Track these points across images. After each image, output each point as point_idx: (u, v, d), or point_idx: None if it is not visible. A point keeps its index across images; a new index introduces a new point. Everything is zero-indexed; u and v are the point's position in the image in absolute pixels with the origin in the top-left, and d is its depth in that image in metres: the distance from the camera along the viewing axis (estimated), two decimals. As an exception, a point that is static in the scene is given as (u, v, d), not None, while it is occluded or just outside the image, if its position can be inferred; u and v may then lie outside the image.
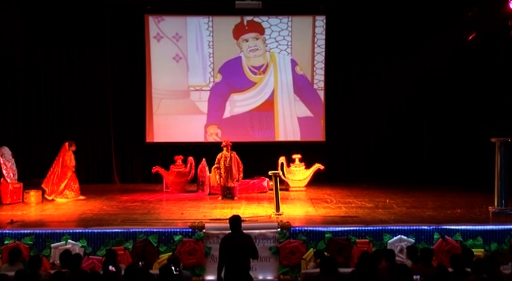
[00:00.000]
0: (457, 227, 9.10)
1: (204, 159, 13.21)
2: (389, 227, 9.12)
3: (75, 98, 14.72)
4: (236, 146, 12.49)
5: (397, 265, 6.43)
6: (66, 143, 12.41)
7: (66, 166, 12.23)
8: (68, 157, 12.27)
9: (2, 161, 11.92)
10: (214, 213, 10.51)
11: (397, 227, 9.10)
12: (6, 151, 12.15)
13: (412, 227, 9.09)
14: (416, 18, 14.38)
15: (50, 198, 12.05)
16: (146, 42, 14.89)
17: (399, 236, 8.92)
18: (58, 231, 8.91)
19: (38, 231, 8.90)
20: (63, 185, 12.17)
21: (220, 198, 12.22)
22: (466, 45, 13.38)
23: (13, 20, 13.40)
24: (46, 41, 14.36)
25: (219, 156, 12.27)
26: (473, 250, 7.80)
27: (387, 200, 11.77)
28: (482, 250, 8.80)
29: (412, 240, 8.88)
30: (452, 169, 14.18)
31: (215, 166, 12.28)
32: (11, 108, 14.32)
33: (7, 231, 8.95)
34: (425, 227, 9.09)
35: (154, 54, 14.95)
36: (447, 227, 9.11)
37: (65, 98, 14.68)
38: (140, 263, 7.41)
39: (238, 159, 12.31)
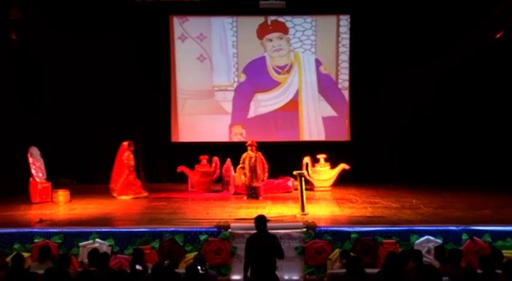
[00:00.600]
0: (486, 228, 8.97)
1: (228, 159, 13.22)
2: (416, 228, 9.04)
3: (101, 98, 14.82)
4: (260, 146, 12.50)
5: (425, 266, 6.36)
6: (125, 143, 12.53)
7: (124, 165, 12.36)
8: (125, 156, 12.37)
9: (31, 161, 12.10)
10: (240, 213, 10.52)
11: (424, 228, 9.02)
12: (35, 150, 12.33)
13: (439, 228, 9.00)
14: (443, 16, 14.18)
15: (114, 195, 12.35)
16: (171, 43, 14.97)
17: (426, 236, 8.83)
18: (86, 230, 9.01)
19: (66, 230, 9.02)
20: (119, 183, 12.32)
21: (245, 198, 12.23)
22: (493, 44, 13.18)
23: (41, 20, 13.55)
24: (73, 41, 14.47)
25: (244, 156, 12.29)
26: (502, 251, 7.68)
27: (414, 201, 11.66)
28: (512, 251, 8.65)
29: (439, 241, 8.77)
30: (480, 169, 13.99)
31: (240, 165, 12.31)
32: (40, 108, 14.49)
33: (37, 230, 9.09)
34: (453, 228, 8.99)
35: (179, 54, 15.02)
36: (476, 228, 8.98)
37: (91, 98, 14.79)
38: (166, 263, 7.45)
39: (264, 159, 12.32)
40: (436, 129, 14.75)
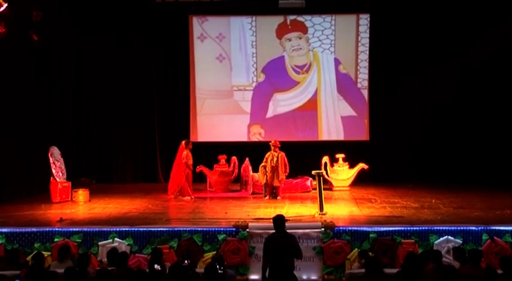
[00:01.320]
0: (506, 228, 8.87)
1: (247, 158, 13.22)
2: (435, 228, 8.97)
3: (121, 98, 14.94)
4: (281, 146, 12.47)
5: (444, 267, 6.30)
6: (183, 142, 12.56)
7: (182, 164, 12.35)
8: (184, 155, 12.35)
9: (51, 161, 12.22)
10: (258, 212, 10.52)
11: (444, 228, 8.94)
12: (56, 150, 12.45)
13: (459, 228, 8.91)
14: (464, 15, 14.05)
15: (173, 196, 12.37)
16: (190, 43, 15.02)
17: (446, 236, 8.76)
18: (105, 229, 9.06)
19: (86, 229, 9.08)
20: (181, 184, 12.32)
21: (266, 197, 12.25)
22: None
23: (62, 21, 13.69)
24: (93, 41, 14.61)
25: (266, 155, 12.34)
26: (523, 252, 7.60)
27: (433, 200, 11.56)
28: (533, 252, 8.54)
29: (459, 241, 8.70)
30: (501, 169, 13.81)
31: (263, 164, 12.33)
32: (60, 108, 14.64)
33: (57, 229, 9.16)
34: (473, 228, 8.90)
35: (198, 54, 15.07)
36: (496, 228, 8.89)
37: (111, 98, 14.92)
38: (186, 262, 7.47)
39: (286, 160, 12.33)
40: (456, 129, 14.60)
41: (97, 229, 9.09)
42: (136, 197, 12.47)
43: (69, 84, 14.78)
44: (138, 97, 14.99)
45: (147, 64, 14.80)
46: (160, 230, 9.02)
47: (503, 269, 6.26)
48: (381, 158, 14.70)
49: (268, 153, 12.31)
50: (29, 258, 7.84)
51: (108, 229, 9.05)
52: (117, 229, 9.05)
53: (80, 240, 8.92)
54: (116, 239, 8.89)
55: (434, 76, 14.48)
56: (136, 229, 9.06)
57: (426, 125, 14.73)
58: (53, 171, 12.17)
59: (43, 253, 8.09)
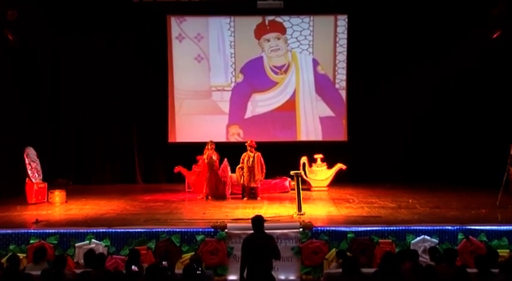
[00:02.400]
0: (481, 228, 8.97)
1: (226, 159, 13.13)
2: (412, 227, 9.02)
3: (98, 98, 14.85)
4: (258, 146, 12.48)
5: (422, 267, 6.36)
6: (208, 142, 12.53)
7: (205, 164, 12.33)
8: (207, 156, 12.33)
9: (27, 162, 12.08)
10: (236, 213, 10.53)
11: (421, 228, 9.01)
12: (31, 151, 12.31)
13: (435, 228, 8.98)
14: (441, 16, 14.21)
15: (198, 197, 12.35)
16: (168, 43, 14.98)
17: (423, 236, 8.83)
18: (82, 231, 8.98)
19: (62, 230, 8.98)
20: (210, 186, 12.30)
21: (245, 198, 12.26)
22: (492, 44, 13.20)
23: (38, 21, 13.54)
24: (70, 41, 14.50)
25: (243, 156, 12.32)
26: (498, 250, 7.70)
27: (410, 200, 11.66)
28: (508, 250, 8.64)
29: (435, 240, 8.78)
30: (477, 169, 14.01)
31: (239, 165, 12.32)
32: (36, 108, 14.49)
33: (32, 230, 9.05)
34: (449, 228, 8.97)
35: (177, 54, 15.03)
36: (472, 227, 8.98)
37: (88, 98, 14.82)
38: (164, 263, 7.44)
39: (262, 160, 12.33)
40: (433, 129, 14.78)
41: (74, 231, 9.00)
42: (113, 198, 12.40)
43: (46, 84, 14.64)
44: (116, 97, 14.88)
45: (125, 64, 14.70)
46: (138, 231, 8.97)
47: (478, 268, 6.34)
48: (359, 159, 14.80)
49: (244, 154, 12.31)
50: (4, 260, 7.73)
51: (85, 230, 8.98)
52: (94, 230, 8.98)
53: (56, 242, 8.83)
54: (93, 240, 8.82)
55: (412, 77, 14.58)
56: (113, 230, 8.99)
57: (403, 125, 14.84)
58: (29, 172, 12.03)
59: (18, 254, 7.97)
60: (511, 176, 11.13)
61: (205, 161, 12.32)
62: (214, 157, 12.34)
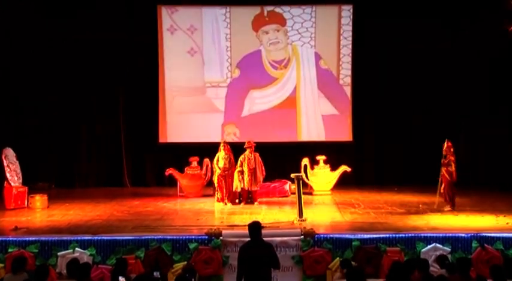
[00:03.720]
0: (497, 235, 8.97)
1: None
2: (422, 235, 9.05)
3: (83, 95, 14.83)
4: (256, 147, 12.48)
5: (433, 277, 6.33)
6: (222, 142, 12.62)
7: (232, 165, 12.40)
8: (216, 158, 12.36)
9: (5, 164, 12.04)
10: (233, 219, 10.56)
11: (432, 235, 9.03)
12: (10, 152, 12.27)
13: (447, 235, 9.00)
14: (452, 7, 14.20)
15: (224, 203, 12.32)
16: (159, 35, 14.94)
17: (434, 244, 8.84)
18: (65, 238, 8.97)
19: (43, 238, 8.97)
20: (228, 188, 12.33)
21: (242, 203, 12.29)
22: (506, 37, 13.19)
23: (21, 14, 13.54)
24: (52, 33, 14.48)
25: (241, 158, 12.30)
26: (515, 259, 7.69)
27: (420, 205, 11.68)
28: (526, 259, 8.65)
29: (448, 249, 8.79)
30: (492, 171, 14.02)
31: (238, 169, 12.29)
32: (16, 108, 14.48)
33: (11, 238, 9.03)
34: (463, 235, 8.99)
35: (168, 48, 15.00)
36: (487, 234, 8.99)
37: (72, 95, 14.79)
38: (154, 274, 7.41)
39: (261, 161, 12.36)
40: (446, 129, 14.69)
41: (56, 238, 8.98)
42: (99, 202, 12.41)
43: (26, 84, 14.56)
44: (102, 94, 14.87)
45: (112, 59, 14.68)
46: (125, 239, 8.96)
47: (494, 278, 6.33)
48: (365, 160, 14.83)
49: (242, 156, 12.30)
50: (-20, 270, 7.72)
51: (68, 238, 8.97)
52: (78, 238, 8.98)
53: (36, 250, 8.81)
54: (76, 249, 8.81)
55: (422, 72, 14.57)
56: (99, 238, 8.98)
57: (414, 124, 14.84)
58: (7, 175, 11.99)
59: (-4, 264, 7.95)
60: (443, 177, 11.30)
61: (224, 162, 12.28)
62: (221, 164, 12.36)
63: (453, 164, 11.23)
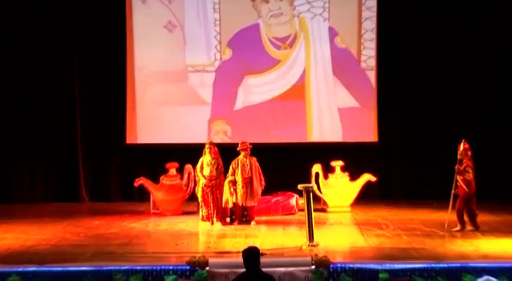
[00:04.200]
0: None
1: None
2: (471, 264, 8.97)
3: (27, 85, 14.89)
4: (252, 150, 12.42)
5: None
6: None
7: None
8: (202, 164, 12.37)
9: None
10: (222, 244, 10.52)
11: (483, 265, 8.95)
12: None
13: (503, 265, 8.93)
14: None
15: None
16: (127, 5, 14.95)
17: (485, 277, 8.76)
18: (2, 270, 8.85)
19: (-27, 269, 8.92)
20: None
21: (235, 223, 12.30)
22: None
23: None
24: None
25: (233, 164, 12.27)
26: None
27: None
28: None
29: (504, 282, 8.74)
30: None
31: (229, 179, 12.25)
32: None
33: None
34: (524, 265, 8.95)
35: (138, 21, 15.03)
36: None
37: (13, 85, 14.87)
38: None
39: (259, 168, 12.35)
40: (498, 126, 14.74)
41: (-10, 269, 8.92)
42: (48, 222, 12.40)
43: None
44: (52, 83, 14.92)
45: (65, 35, 14.72)
46: (81, 271, 8.86)
47: None
48: (394, 167, 14.78)
49: (235, 161, 12.27)
50: None
51: (7, 269, 8.85)
52: (20, 269, 8.85)
53: (-36, 286, 8.76)
54: (18, 283, 8.73)
55: (468, 49, 14.58)
56: (47, 269, 8.89)
57: (457, 120, 14.80)
58: None
59: None
60: (459, 189, 11.34)
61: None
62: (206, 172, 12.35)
63: (471, 171, 11.22)
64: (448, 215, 11.41)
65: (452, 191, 11.36)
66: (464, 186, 11.19)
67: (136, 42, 15.04)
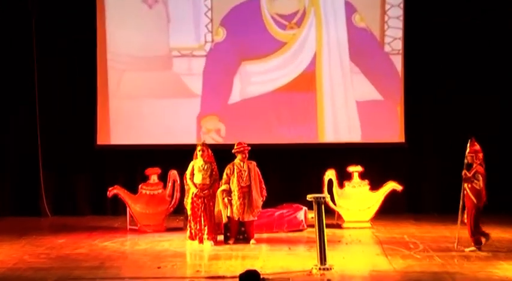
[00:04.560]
0: None
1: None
2: (520, 293, 9.02)
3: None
4: (251, 152, 12.43)
5: None
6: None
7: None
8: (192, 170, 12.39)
9: None
10: (215, 267, 10.51)
11: (534, 293, 9.00)
12: None
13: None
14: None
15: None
16: (97, -25, 15.02)
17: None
18: None
19: None
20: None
21: (231, 241, 12.29)
22: None
23: None
24: None
25: (228, 170, 12.25)
26: None
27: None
28: None
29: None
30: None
31: (223, 188, 12.24)
32: None
33: None
34: None
35: (112, -5, 15.09)
36: None
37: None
38: None
39: (260, 174, 12.35)
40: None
41: None
42: (2, 241, 12.42)
43: None
44: (4, 70, 14.98)
45: (21, 16, 14.82)
46: (43, 300, 8.94)
47: None
48: (425, 173, 14.80)
49: (229, 167, 12.25)
50: None
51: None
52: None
53: None
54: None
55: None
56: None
57: (501, 116, 14.91)
58: None
59: None
60: (466, 198, 11.33)
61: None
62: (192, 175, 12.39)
63: (481, 179, 11.21)
64: (458, 231, 11.44)
65: (461, 203, 11.34)
66: (472, 196, 11.14)
67: (109, 20, 15.09)
